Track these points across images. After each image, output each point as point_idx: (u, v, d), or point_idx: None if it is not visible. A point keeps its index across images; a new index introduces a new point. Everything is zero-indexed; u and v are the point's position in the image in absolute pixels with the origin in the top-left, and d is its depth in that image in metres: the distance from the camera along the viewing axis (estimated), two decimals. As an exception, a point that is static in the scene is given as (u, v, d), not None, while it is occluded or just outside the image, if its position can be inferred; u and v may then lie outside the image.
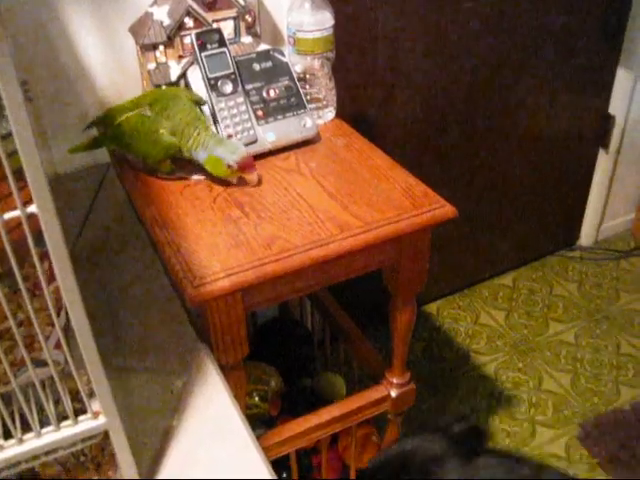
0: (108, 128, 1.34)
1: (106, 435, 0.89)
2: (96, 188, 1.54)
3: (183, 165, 1.31)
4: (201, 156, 1.24)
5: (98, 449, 1.03)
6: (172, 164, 1.30)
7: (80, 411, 0.84)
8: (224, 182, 1.28)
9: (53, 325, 0.84)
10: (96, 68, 1.53)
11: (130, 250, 1.39)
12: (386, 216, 1.17)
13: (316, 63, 1.43)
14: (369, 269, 1.24)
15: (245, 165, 1.23)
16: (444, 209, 1.20)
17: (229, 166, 1.22)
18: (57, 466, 1.02)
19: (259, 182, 1.27)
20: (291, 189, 1.26)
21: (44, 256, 0.72)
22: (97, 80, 1.55)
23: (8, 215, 0.65)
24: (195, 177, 1.32)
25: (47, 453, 0.86)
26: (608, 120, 2.48)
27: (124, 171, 1.38)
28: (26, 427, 0.82)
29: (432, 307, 2.46)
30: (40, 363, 0.82)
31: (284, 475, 1.57)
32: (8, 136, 0.64)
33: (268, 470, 0.96)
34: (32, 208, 0.66)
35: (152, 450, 1.02)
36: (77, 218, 1.44)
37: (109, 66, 1.54)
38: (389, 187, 1.25)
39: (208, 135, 1.25)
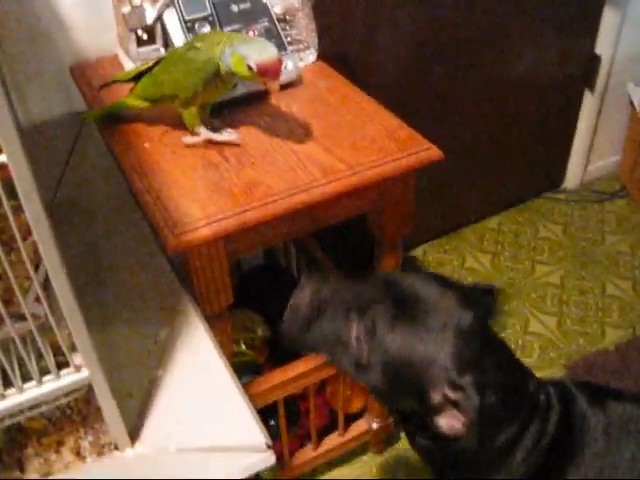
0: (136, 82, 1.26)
1: (91, 388, 0.88)
2: (74, 137, 1.50)
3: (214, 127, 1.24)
4: (227, 55, 1.12)
5: (84, 402, 1.02)
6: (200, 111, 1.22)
7: (63, 365, 0.83)
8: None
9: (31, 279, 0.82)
10: (69, 13, 1.49)
11: (110, 200, 1.36)
12: (371, 159, 1.15)
13: (296, 3, 1.39)
14: (354, 214, 1.22)
15: (266, 69, 1.09)
16: (429, 151, 1.17)
17: (249, 67, 1.09)
18: (43, 420, 1.01)
19: (278, 88, 1.14)
20: (273, 133, 1.23)
21: (19, 209, 0.70)
22: (70, 25, 1.51)
23: (-25, 164, 0.63)
24: (223, 137, 1.23)
25: (31, 408, 0.85)
26: (594, 60, 2.44)
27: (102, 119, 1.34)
28: (9, 383, 0.81)
29: (418, 251, 2.45)
30: (20, 317, 0.81)
31: (272, 422, 1.57)
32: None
33: (255, 419, 0.96)
34: (1, 158, 0.64)
35: (138, 401, 1.01)
36: (55, 169, 1.41)
37: (83, 11, 1.50)
38: (373, 130, 1.23)
39: (237, 35, 1.14)
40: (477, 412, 0.87)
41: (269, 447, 0.92)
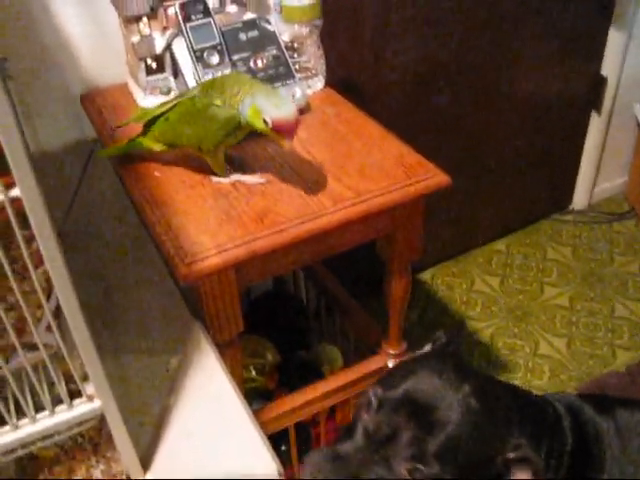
0: (150, 126, 1.23)
1: (102, 417, 0.88)
2: (84, 164, 1.52)
3: (239, 165, 1.24)
4: (246, 105, 1.09)
5: (96, 430, 1.03)
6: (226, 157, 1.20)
7: (75, 394, 0.84)
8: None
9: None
10: (78, 42, 1.51)
11: (121, 227, 1.38)
12: (379, 186, 1.16)
13: (304, 31, 1.40)
14: (363, 241, 1.22)
15: (281, 126, 1.07)
16: (438, 178, 1.18)
17: (265, 121, 1.07)
18: (55, 448, 1.02)
19: (290, 147, 1.13)
20: (282, 161, 1.24)
21: (32, 238, 0.71)
22: (80, 55, 1.53)
23: (-10, 200, 0.64)
24: (253, 179, 1.21)
25: (43, 438, 0.86)
26: (600, 82, 2.46)
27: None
28: (22, 413, 0.82)
29: (426, 274, 2.45)
30: (32, 347, 0.81)
31: (283, 448, 1.57)
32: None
33: (266, 445, 0.96)
34: (15, 192, 0.65)
35: (149, 430, 1.02)
36: (65, 195, 1.42)
37: (92, 40, 1.52)
38: (381, 157, 1.23)
39: (257, 85, 1.11)
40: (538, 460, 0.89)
41: (281, 474, 0.92)
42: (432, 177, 1.18)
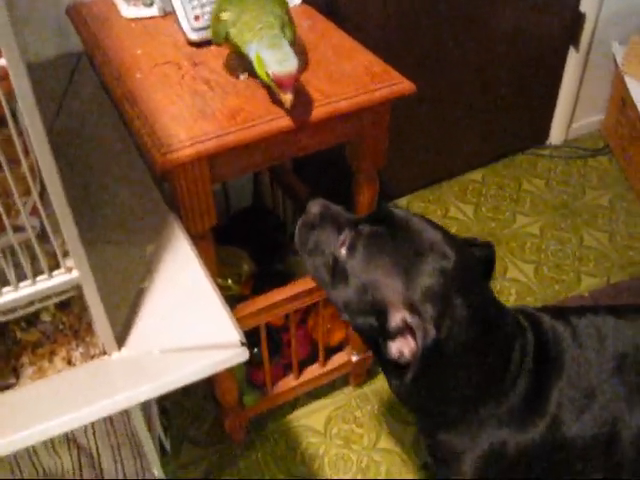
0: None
1: (83, 304, 0.95)
2: (69, 74, 1.56)
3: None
4: (252, 50, 1.16)
5: (76, 318, 1.09)
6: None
7: (55, 268, 0.91)
8: (192, 61, 1.32)
9: (28, 194, 0.89)
10: (65, -47, 1.54)
11: (104, 133, 1.42)
12: (346, 90, 1.22)
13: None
14: (332, 143, 1.29)
15: (281, 82, 1.12)
16: (402, 85, 1.24)
17: (267, 74, 1.13)
18: (37, 333, 1.09)
19: (291, 104, 1.15)
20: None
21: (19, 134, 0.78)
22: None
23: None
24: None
25: (24, 306, 0.93)
26: (579, 18, 2.49)
27: (96, 56, 1.41)
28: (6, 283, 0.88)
29: (402, 201, 2.52)
30: (16, 229, 0.88)
31: (255, 350, 1.64)
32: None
33: (231, 319, 1.03)
34: (1, 61, 0.71)
35: (125, 311, 1.08)
36: (52, 105, 1.47)
37: (79, -49, 1.55)
38: (351, 65, 1.30)
39: (268, 33, 1.16)
40: (430, 340, 0.92)
41: (243, 343, 0.99)
42: (397, 84, 1.24)
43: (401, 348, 0.96)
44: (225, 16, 1.20)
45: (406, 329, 0.95)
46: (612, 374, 1.08)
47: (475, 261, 1.06)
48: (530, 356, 1.07)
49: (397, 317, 0.95)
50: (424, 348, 0.92)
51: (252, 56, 1.16)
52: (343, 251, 1.02)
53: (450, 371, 0.99)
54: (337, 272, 1.03)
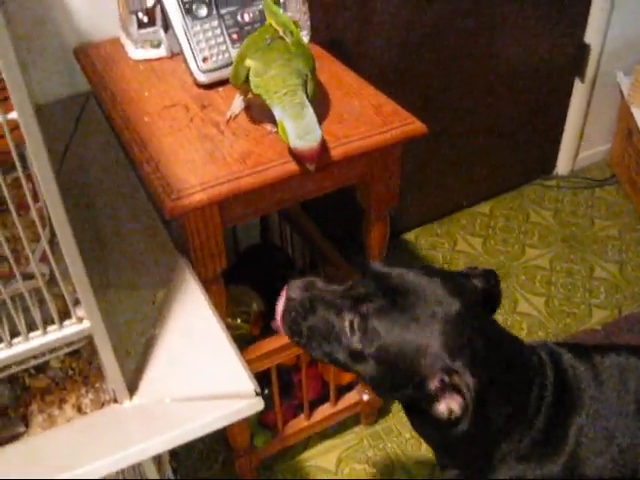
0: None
1: (92, 348, 0.94)
2: (77, 117, 1.56)
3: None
4: (277, 114, 1.15)
5: (85, 363, 1.08)
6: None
7: (66, 317, 0.89)
8: (200, 104, 1.31)
9: (37, 240, 0.88)
10: (73, -4, 1.54)
11: (111, 175, 1.42)
12: (357, 132, 1.21)
13: (290, -14, 1.45)
14: (343, 185, 1.28)
15: (302, 155, 1.13)
16: (414, 125, 1.24)
17: (289, 145, 1.13)
18: (47, 379, 1.07)
19: (314, 170, 1.15)
20: (266, 107, 1.28)
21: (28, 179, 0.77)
22: (74, 8, 1.56)
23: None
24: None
25: (35, 357, 0.91)
26: (583, 49, 2.50)
27: (104, 98, 1.40)
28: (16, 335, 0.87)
29: (410, 235, 2.50)
30: (26, 276, 0.87)
31: (266, 391, 1.62)
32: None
33: (244, 368, 1.01)
34: (13, 114, 0.70)
35: (136, 358, 1.07)
36: (59, 147, 1.46)
37: (85, -6, 1.55)
38: (360, 106, 1.29)
39: (292, 100, 1.14)
40: (473, 391, 0.91)
41: (258, 394, 0.97)
42: (408, 124, 1.23)
43: (450, 406, 0.95)
44: (250, 63, 1.19)
45: (446, 388, 0.94)
46: (634, 417, 1.06)
47: (478, 297, 1.04)
48: (550, 391, 1.05)
49: (434, 381, 0.95)
50: (472, 397, 0.92)
51: (277, 118, 1.15)
52: (355, 338, 0.98)
53: (481, 413, 0.98)
54: (355, 358, 1.00)
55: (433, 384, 0.95)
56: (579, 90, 2.60)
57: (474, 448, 1.06)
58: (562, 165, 2.80)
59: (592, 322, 2.19)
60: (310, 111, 1.13)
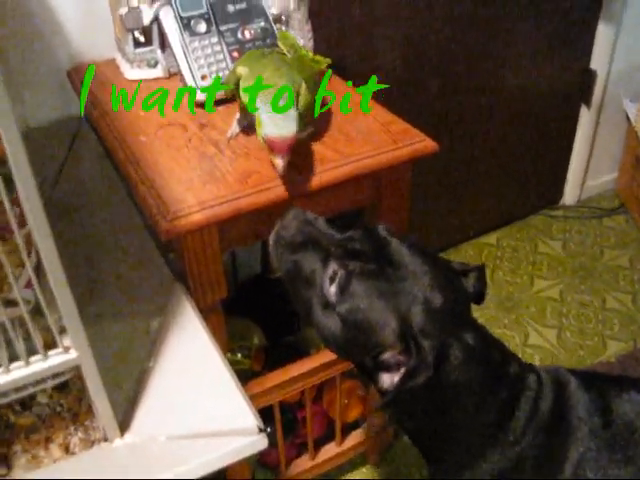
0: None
1: (82, 382, 0.87)
2: (70, 141, 1.51)
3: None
4: (258, 111, 1.09)
5: (74, 400, 1.01)
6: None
7: (52, 347, 0.82)
8: (199, 122, 1.25)
9: (23, 266, 0.82)
10: (66, 16, 1.50)
11: (106, 199, 1.37)
12: (365, 150, 1.16)
13: (292, 4, 1.40)
14: (350, 206, 1.22)
15: (272, 145, 1.05)
16: (424, 143, 1.18)
17: (262, 136, 1.07)
18: (32, 416, 1.00)
19: (283, 170, 1.07)
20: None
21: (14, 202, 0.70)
22: (68, 29, 1.51)
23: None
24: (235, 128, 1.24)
25: (18, 390, 0.84)
26: (589, 75, 2.46)
27: (98, 118, 1.34)
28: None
29: (416, 266, 2.44)
30: (9, 303, 0.80)
31: (268, 429, 1.55)
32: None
33: (247, 402, 0.94)
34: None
35: (128, 392, 1.00)
36: (52, 170, 1.41)
37: (79, 14, 1.50)
38: (367, 123, 1.23)
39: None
40: (415, 381, 0.88)
41: (261, 430, 0.90)
42: (419, 142, 1.18)
43: (393, 379, 0.93)
44: (242, 70, 1.15)
45: (397, 365, 0.92)
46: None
47: (467, 300, 1.01)
48: (544, 412, 0.98)
49: (388, 354, 0.92)
50: (404, 383, 0.89)
51: (256, 115, 1.09)
52: (333, 289, 0.94)
53: (447, 409, 0.95)
54: (325, 308, 0.96)
55: (386, 356, 0.92)
56: (585, 117, 2.56)
57: (437, 444, 1.01)
58: (569, 194, 2.75)
59: (607, 354, 2.12)
60: (293, 113, 1.08)
